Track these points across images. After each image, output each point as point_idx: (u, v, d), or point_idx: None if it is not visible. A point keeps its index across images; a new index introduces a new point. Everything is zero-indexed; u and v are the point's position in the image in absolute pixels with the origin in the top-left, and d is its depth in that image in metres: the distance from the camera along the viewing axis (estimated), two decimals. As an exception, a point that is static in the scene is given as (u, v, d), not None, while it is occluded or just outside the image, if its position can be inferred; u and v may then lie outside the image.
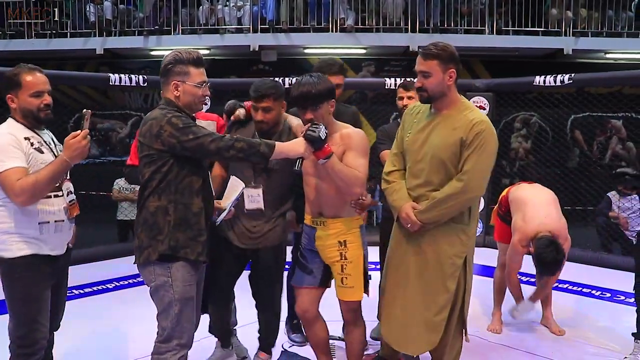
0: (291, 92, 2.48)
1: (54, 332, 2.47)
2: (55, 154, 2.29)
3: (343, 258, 2.58)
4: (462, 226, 2.58)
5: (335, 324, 3.00)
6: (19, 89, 2.24)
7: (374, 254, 3.65)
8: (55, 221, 2.26)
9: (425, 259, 2.58)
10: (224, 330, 3.00)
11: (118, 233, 6.69)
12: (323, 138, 2.32)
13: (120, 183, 6.65)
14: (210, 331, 3.05)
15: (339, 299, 2.68)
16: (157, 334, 2.25)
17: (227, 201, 2.48)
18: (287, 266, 2.95)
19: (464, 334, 2.73)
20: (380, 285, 2.86)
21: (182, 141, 2.16)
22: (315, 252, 2.66)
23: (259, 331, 3.01)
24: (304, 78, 2.46)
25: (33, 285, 2.21)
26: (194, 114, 2.34)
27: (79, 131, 2.16)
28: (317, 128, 2.31)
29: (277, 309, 2.93)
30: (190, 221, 2.24)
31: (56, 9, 9.36)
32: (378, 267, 3.44)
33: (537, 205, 3.48)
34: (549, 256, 3.21)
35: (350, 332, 2.75)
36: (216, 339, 3.05)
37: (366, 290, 2.68)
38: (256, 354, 3.02)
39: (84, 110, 2.17)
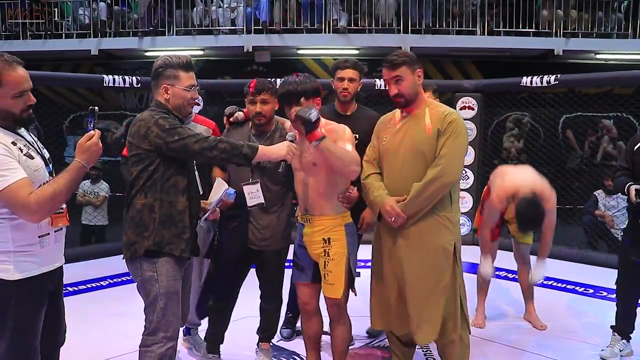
0: (277, 91, 2.64)
1: (60, 348, 2.25)
2: (43, 155, 2.08)
3: (326, 255, 2.66)
4: (445, 214, 2.63)
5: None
6: None
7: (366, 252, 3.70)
8: (55, 231, 2.07)
9: (415, 252, 2.62)
10: (220, 335, 3.09)
11: (80, 234, 6.64)
12: (314, 120, 2.38)
13: (85, 186, 6.67)
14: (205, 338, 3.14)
15: (323, 295, 2.77)
16: (144, 327, 2.34)
17: (211, 201, 2.58)
18: (290, 263, 3.04)
19: (469, 326, 2.75)
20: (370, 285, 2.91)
21: (168, 142, 2.25)
22: (305, 248, 2.75)
23: (261, 322, 3.13)
24: (290, 77, 2.59)
25: (31, 311, 1.99)
26: (183, 116, 2.43)
27: (92, 131, 1.99)
28: (308, 110, 2.39)
29: (280, 298, 3.08)
30: (175, 219, 2.32)
31: (56, 9, 9.41)
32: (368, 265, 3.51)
33: (517, 172, 3.50)
34: (528, 215, 3.19)
35: (334, 329, 2.83)
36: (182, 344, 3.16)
37: (352, 289, 2.75)
38: (257, 345, 3.16)
39: (96, 108, 2.03)
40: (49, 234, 2.03)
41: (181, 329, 3.37)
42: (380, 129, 2.82)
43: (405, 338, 2.80)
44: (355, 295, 2.80)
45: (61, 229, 2.10)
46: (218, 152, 2.28)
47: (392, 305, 2.72)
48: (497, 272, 4.99)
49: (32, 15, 9.34)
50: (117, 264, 4.87)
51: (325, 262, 2.67)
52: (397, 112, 2.78)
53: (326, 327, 3.33)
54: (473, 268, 4.81)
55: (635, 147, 3.17)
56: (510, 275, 5.04)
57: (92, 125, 2.00)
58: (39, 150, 2.07)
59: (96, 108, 2.02)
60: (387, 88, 2.70)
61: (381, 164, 2.77)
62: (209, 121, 3.31)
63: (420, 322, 2.63)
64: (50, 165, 2.10)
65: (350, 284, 2.72)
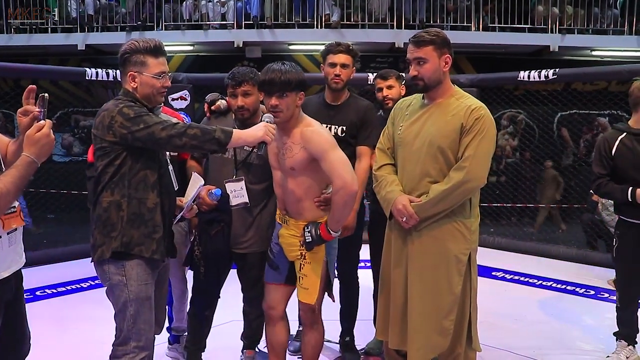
0: (260, 78, 2.41)
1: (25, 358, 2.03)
2: None
3: (303, 257, 2.48)
4: (463, 220, 2.38)
5: (330, 324, 2.88)
6: None
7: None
8: (8, 233, 1.82)
9: (426, 259, 2.37)
10: (202, 343, 2.88)
11: None
12: (316, 238, 2.39)
13: None
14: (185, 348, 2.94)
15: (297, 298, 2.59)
16: (115, 336, 2.15)
17: (187, 198, 2.38)
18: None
19: (473, 342, 2.47)
20: (374, 290, 2.72)
21: (133, 131, 2.05)
22: (282, 247, 2.59)
23: (245, 328, 2.94)
24: (275, 65, 2.36)
25: None
26: (152, 106, 2.22)
27: (42, 121, 1.69)
28: (309, 231, 2.40)
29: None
30: (144, 217, 2.13)
31: (56, 9, 9.16)
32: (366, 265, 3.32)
33: None
34: None
35: (305, 334, 2.66)
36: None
37: (330, 295, 2.58)
38: (242, 352, 2.99)
39: (45, 95, 1.74)
40: (0, 237, 1.79)
41: (167, 336, 3.18)
42: (397, 115, 2.55)
43: (403, 351, 2.57)
44: (334, 301, 2.65)
45: (15, 229, 1.86)
46: (188, 139, 2.07)
47: (393, 316, 2.48)
48: (492, 273, 4.85)
49: (35, 14, 9.03)
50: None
51: (301, 264, 2.49)
52: (418, 98, 2.50)
53: (327, 336, 3.12)
54: (486, 272, 4.62)
55: (614, 150, 2.98)
56: (507, 276, 4.89)
57: (42, 115, 1.73)
58: None
59: (46, 95, 1.75)
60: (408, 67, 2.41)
61: (395, 155, 2.53)
62: (177, 114, 3.12)
63: (419, 345, 2.38)
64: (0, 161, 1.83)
65: (326, 289, 2.56)
